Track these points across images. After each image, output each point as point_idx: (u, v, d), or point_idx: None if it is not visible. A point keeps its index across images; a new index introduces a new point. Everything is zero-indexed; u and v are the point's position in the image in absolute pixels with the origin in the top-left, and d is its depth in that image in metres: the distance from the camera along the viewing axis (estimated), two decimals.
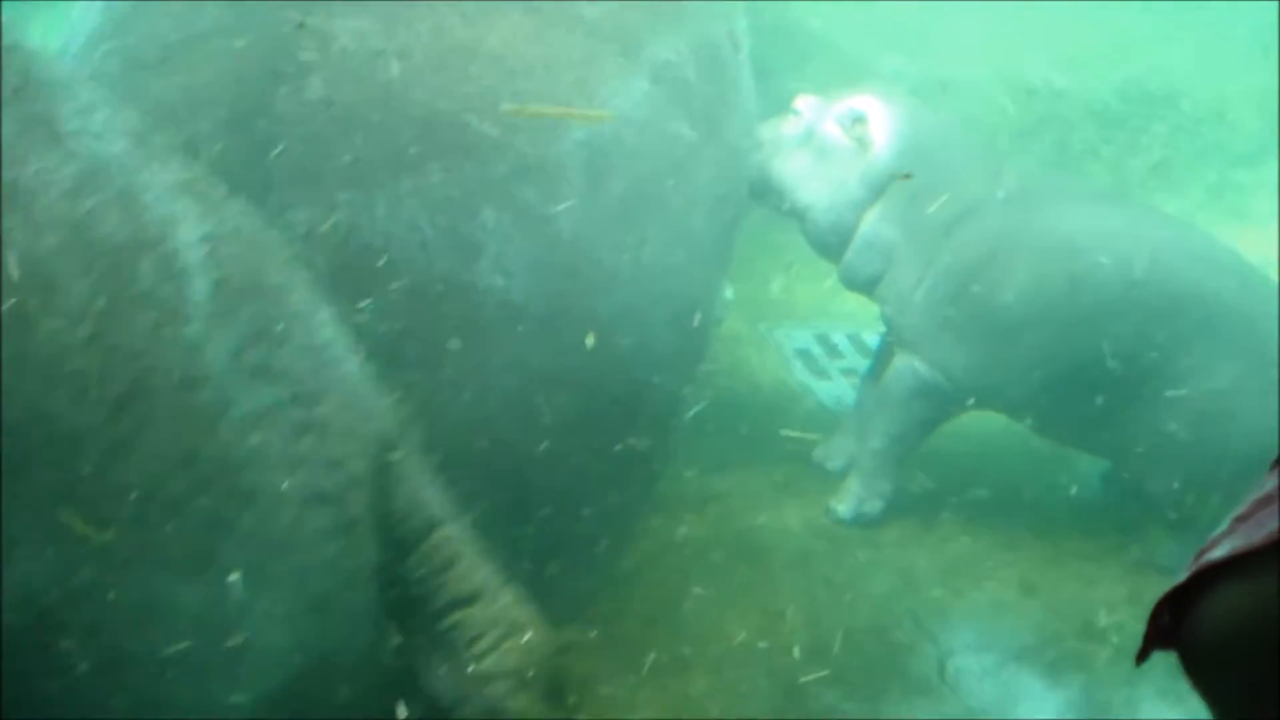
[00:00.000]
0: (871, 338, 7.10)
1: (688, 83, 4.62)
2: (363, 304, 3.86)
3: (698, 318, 4.53)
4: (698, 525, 5.78)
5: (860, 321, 7.33)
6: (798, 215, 5.96)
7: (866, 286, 5.92)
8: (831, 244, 5.91)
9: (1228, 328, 5.55)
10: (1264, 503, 1.42)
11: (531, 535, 4.14)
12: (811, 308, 7.37)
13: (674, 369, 4.39)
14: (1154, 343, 5.52)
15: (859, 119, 5.78)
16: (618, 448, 4.22)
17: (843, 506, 5.93)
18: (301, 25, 4.10)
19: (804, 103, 5.92)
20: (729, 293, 7.05)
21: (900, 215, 5.76)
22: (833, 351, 7.07)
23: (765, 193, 5.93)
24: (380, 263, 3.90)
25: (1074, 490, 6.04)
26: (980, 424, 6.63)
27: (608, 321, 4.14)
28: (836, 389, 6.79)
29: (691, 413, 5.51)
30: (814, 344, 7.12)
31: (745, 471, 6.12)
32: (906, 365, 5.83)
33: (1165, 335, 5.52)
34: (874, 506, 5.94)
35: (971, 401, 5.84)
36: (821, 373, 6.93)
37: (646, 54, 4.52)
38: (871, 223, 5.79)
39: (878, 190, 5.78)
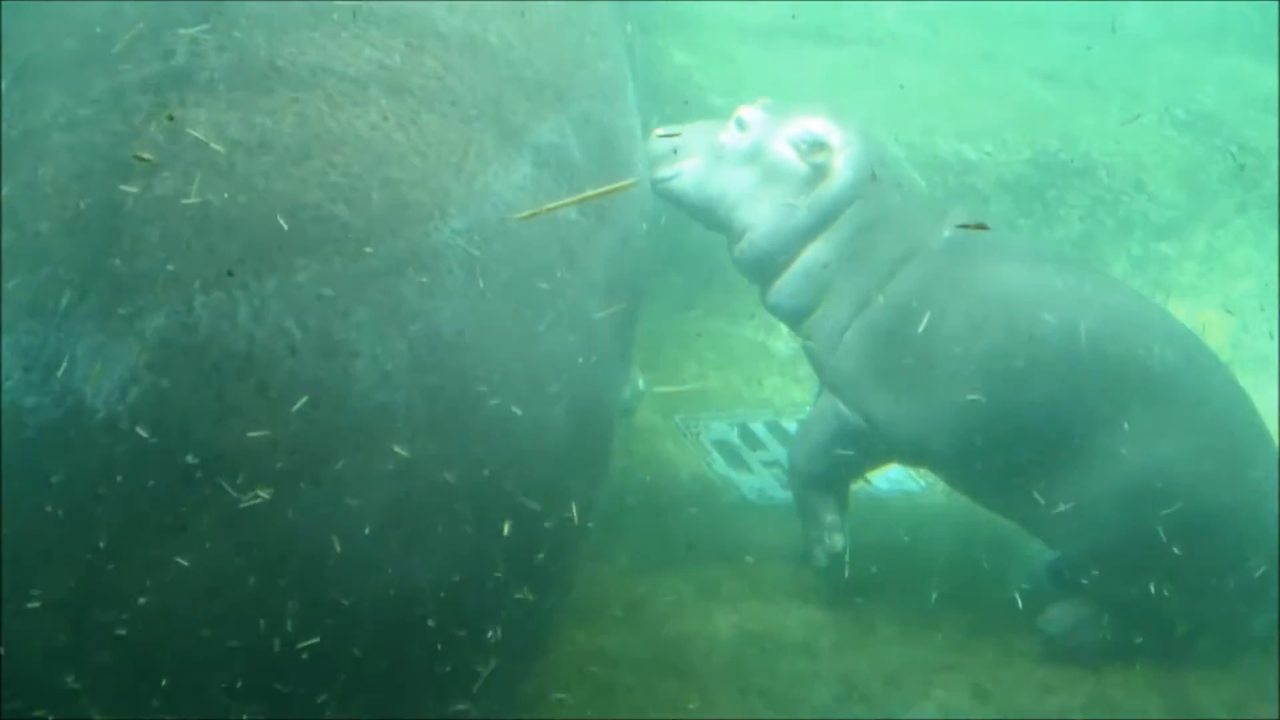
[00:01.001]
0: (790, 424, 6.89)
1: (574, 165, 4.35)
2: (228, 415, 3.53)
3: (599, 411, 4.22)
4: (621, 635, 5.45)
5: (778, 409, 7.12)
6: (732, 233, 5.68)
7: (792, 316, 5.68)
8: (764, 268, 5.65)
9: (1168, 401, 5.30)
10: None
11: (426, 658, 3.78)
12: (728, 397, 7.11)
13: (576, 468, 4.06)
14: (1089, 408, 5.27)
15: (820, 145, 5.53)
16: (519, 557, 3.88)
17: (812, 556, 5.73)
18: (170, 118, 3.80)
19: (751, 116, 5.63)
20: (641, 383, 6.79)
21: (843, 249, 5.51)
22: (753, 442, 6.80)
23: (697, 205, 5.67)
24: (244, 370, 3.56)
25: (1023, 585, 5.77)
26: (916, 514, 6.41)
27: (499, 423, 3.81)
28: (759, 481, 6.52)
29: (608, 510, 5.25)
30: (733, 434, 6.85)
31: (669, 572, 5.82)
32: (830, 406, 5.60)
33: (1102, 402, 5.27)
34: (836, 542, 5.69)
35: (896, 452, 5.62)
36: (742, 465, 6.66)
37: (528, 136, 4.24)
38: (813, 253, 5.53)
39: (826, 220, 5.53)
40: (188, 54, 3.92)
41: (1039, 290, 5.42)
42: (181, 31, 3.94)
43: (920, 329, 5.36)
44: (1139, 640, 5.47)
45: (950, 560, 5.94)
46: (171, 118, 3.74)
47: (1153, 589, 5.30)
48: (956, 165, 8.18)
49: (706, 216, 5.73)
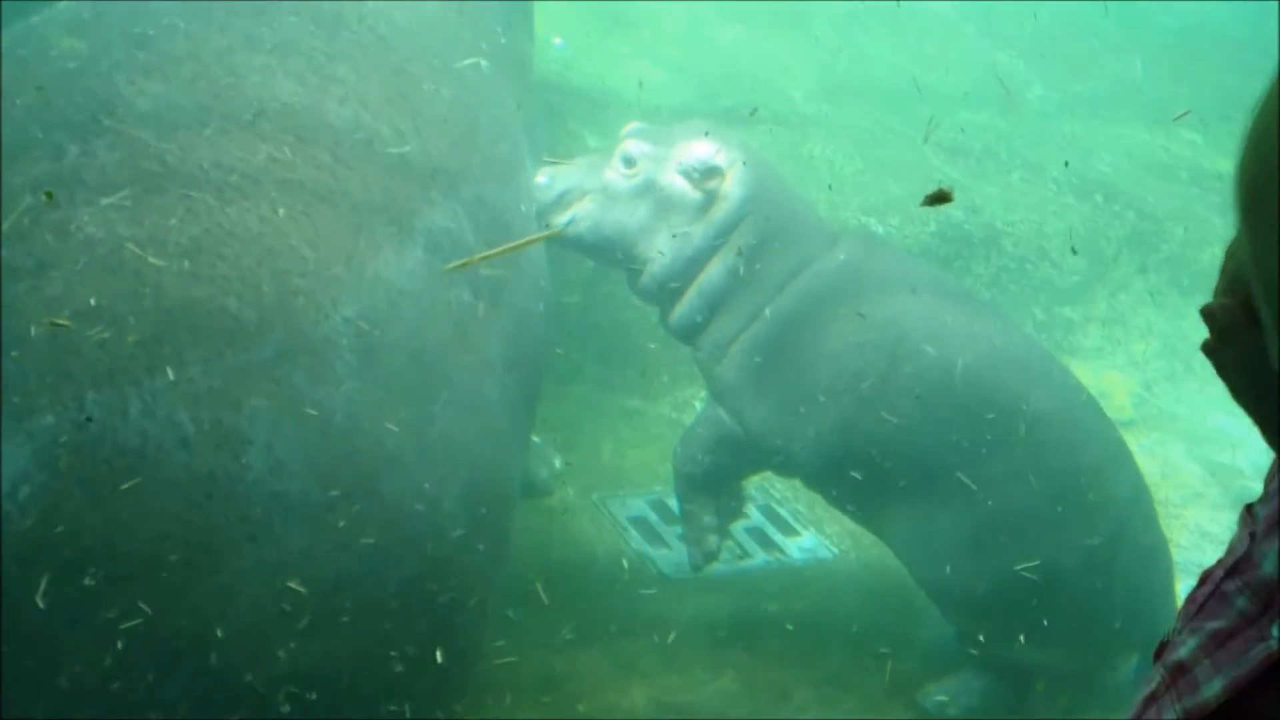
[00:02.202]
0: None
1: (468, 247, 4.43)
2: (121, 511, 3.55)
3: (498, 492, 4.27)
4: (539, 711, 5.46)
5: None
6: (636, 268, 5.74)
7: (688, 334, 5.78)
8: (668, 295, 5.74)
9: (1034, 447, 5.40)
10: (1147, 704, 1.48)
11: None
12: (644, 473, 7.17)
13: (474, 547, 4.10)
14: (952, 443, 5.37)
15: (712, 171, 5.62)
16: (419, 640, 3.91)
17: (689, 557, 5.97)
18: (48, 195, 3.85)
19: (637, 150, 5.69)
20: (557, 462, 6.86)
21: (735, 267, 5.60)
22: (669, 517, 6.84)
23: (597, 246, 5.73)
24: (136, 466, 3.59)
25: (929, 647, 5.87)
26: (830, 580, 6.48)
27: (394, 506, 3.86)
28: (676, 555, 6.55)
29: (525, 590, 5.27)
30: (649, 511, 6.89)
31: (587, 649, 5.84)
32: (713, 413, 5.77)
33: (966, 439, 5.36)
34: (711, 544, 5.89)
35: (768, 460, 5.76)
36: (659, 540, 6.70)
37: (420, 221, 4.32)
38: (708, 274, 5.64)
39: (720, 241, 5.62)
40: (78, 153, 3.98)
41: (925, 321, 5.54)
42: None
43: (796, 343, 5.53)
44: (1010, 703, 5.56)
45: (864, 626, 6.00)
46: (50, 194, 3.79)
47: (1008, 641, 5.39)
48: None
49: (606, 256, 5.82)
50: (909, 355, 5.41)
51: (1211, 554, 6.86)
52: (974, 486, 5.32)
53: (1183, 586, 6.40)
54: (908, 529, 5.51)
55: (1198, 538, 7.10)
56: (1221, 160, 9.96)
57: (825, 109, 9.49)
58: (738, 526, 6.83)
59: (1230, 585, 1.59)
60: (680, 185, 5.64)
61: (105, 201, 3.86)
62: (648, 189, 5.67)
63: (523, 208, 5.00)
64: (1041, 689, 5.56)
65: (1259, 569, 1.57)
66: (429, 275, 4.23)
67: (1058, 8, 11.19)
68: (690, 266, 5.65)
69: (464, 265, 4.12)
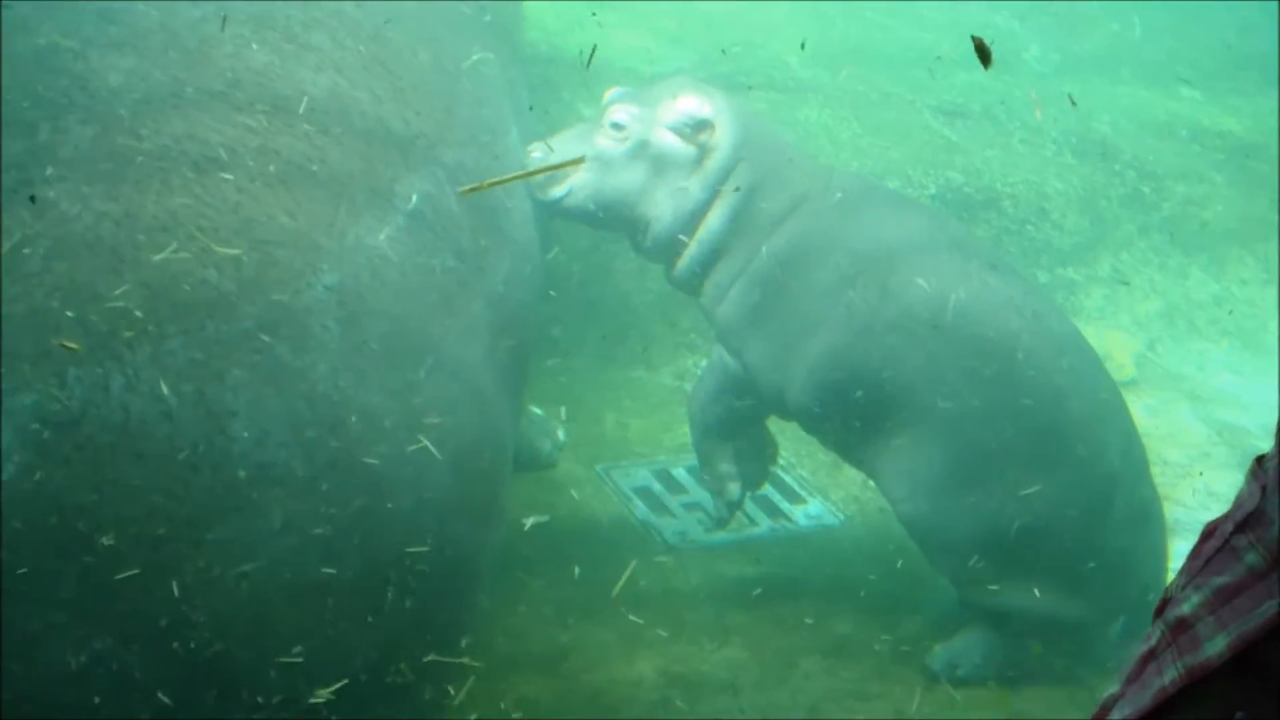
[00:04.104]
0: None
1: (450, 212, 4.38)
2: (105, 487, 3.52)
3: (487, 458, 4.22)
4: (546, 684, 5.43)
5: None
6: (637, 230, 5.78)
7: (692, 285, 5.81)
8: (673, 251, 5.77)
9: (1023, 389, 5.33)
10: (1146, 660, 1.46)
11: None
12: (648, 443, 7.12)
13: (464, 514, 4.05)
14: (941, 380, 5.31)
15: (702, 124, 5.64)
16: (410, 608, 3.87)
17: (711, 510, 6.05)
18: (32, 199, 3.81)
19: (624, 114, 5.69)
20: (560, 434, 6.82)
21: (733, 213, 5.63)
22: (674, 486, 6.80)
23: (598, 215, 5.75)
24: (120, 441, 3.55)
25: (935, 613, 5.81)
26: (836, 548, 6.43)
27: (381, 474, 3.81)
28: (681, 524, 6.52)
29: (532, 562, 5.22)
30: (654, 480, 6.84)
31: (593, 621, 5.79)
32: (718, 356, 5.79)
33: (955, 377, 5.31)
34: (733, 491, 5.91)
35: (765, 399, 5.73)
36: (664, 509, 6.66)
37: (401, 187, 4.27)
38: (708, 224, 5.66)
39: (717, 190, 5.65)
40: (51, 130, 3.94)
41: (919, 256, 5.50)
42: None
43: (790, 277, 5.53)
44: (1011, 664, 5.52)
45: (870, 592, 5.95)
46: (33, 199, 3.75)
47: (995, 587, 5.36)
48: None
49: (608, 223, 5.84)
50: (900, 288, 5.37)
51: (1218, 513, 6.85)
52: (956, 422, 5.27)
53: (1185, 545, 6.35)
54: (895, 465, 5.44)
55: (1204, 497, 7.02)
56: (1222, 117, 9.87)
57: (822, 74, 9.41)
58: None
59: (1240, 540, 1.53)
60: (672, 142, 5.66)
61: (79, 177, 3.82)
62: (641, 150, 5.68)
63: (506, 170, 4.94)
64: (1039, 651, 5.51)
65: (1273, 524, 1.51)
66: (411, 242, 4.18)
67: None
68: (691, 219, 5.67)
69: (477, 189, 4.06)
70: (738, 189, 5.60)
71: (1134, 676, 1.43)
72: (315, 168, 4.11)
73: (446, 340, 4.15)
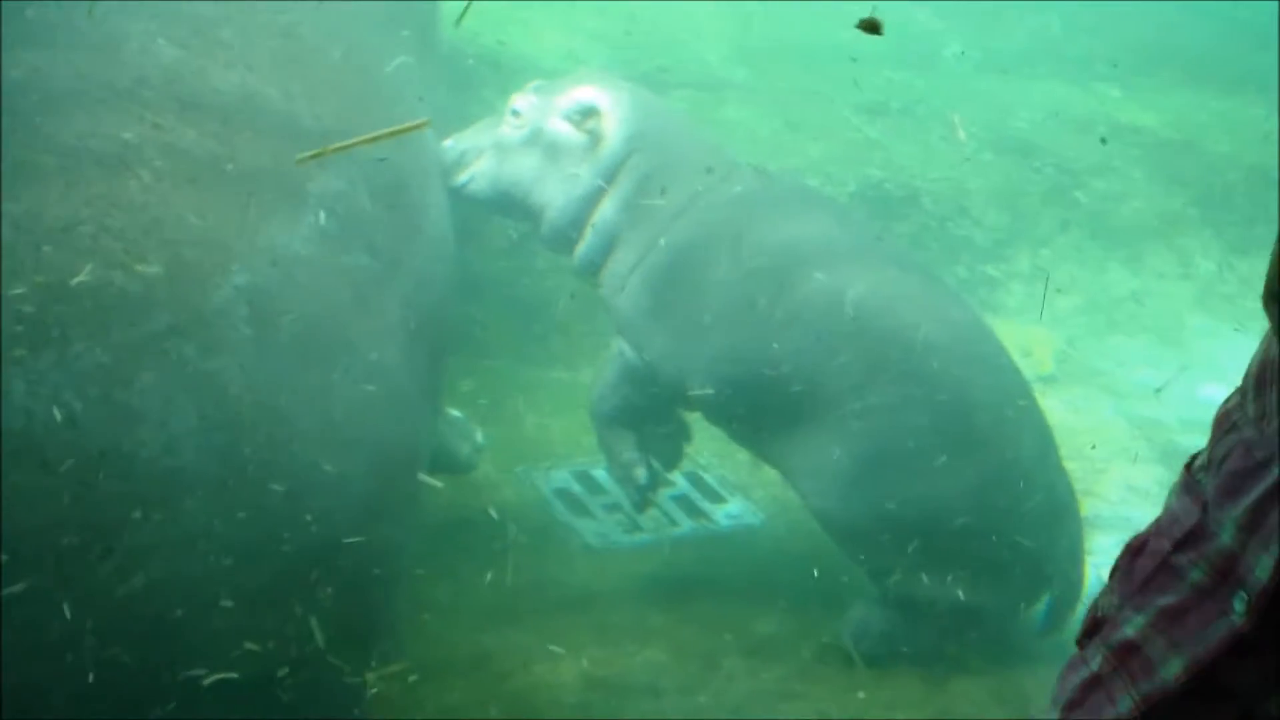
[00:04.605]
0: None
1: (363, 210, 4.31)
2: (8, 496, 3.41)
3: (403, 460, 4.15)
4: (467, 690, 5.35)
5: None
6: (533, 217, 5.83)
7: (590, 271, 5.83)
8: (569, 239, 5.79)
9: (921, 380, 5.32)
10: (1090, 687, 1.41)
11: None
12: (568, 444, 7.06)
13: (380, 515, 3.98)
14: (839, 371, 5.31)
15: (590, 111, 5.68)
16: (324, 615, 3.79)
17: (625, 496, 6.05)
18: None
19: (523, 102, 5.76)
20: (479, 436, 6.72)
21: (627, 201, 5.65)
22: (594, 488, 6.74)
23: (496, 201, 5.82)
24: (22, 448, 3.44)
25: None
26: (756, 548, 6.41)
27: (295, 477, 3.73)
28: (600, 526, 6.46)
29: (451, 567, 5.13)
30: (573, 482, 6.79)
31: (515, 625, 5.72)
32: (616, 347, 5.79)
33: (853, 368, 5.31)
34: (639, 476, 5.89)
35: (668, 391, 5.72)
36: (584, 511, 6.60)
37: (314, 185, 4.19)
38: (602, 211, 5.68)
39: (609, 178, 5.67)
40: None
41: (817, 248, 5.50)
42: None
43: (689, 269, 5.53)
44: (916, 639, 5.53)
45: (792, 592, 5.92)
46: None
47: (902, 577, 5.37)
48: None
49: (506, 209, 5.91)
50: (798, 281, 5.37)
51: (1139, 508, 6.87)
52: (859, 414, 5.27)
53: (1106, 540, 6.39)
54: (800, 459, 5.46)
55: (1124, 491, 7.07)
56: (1141, 114, 9.96)
57: (742, 72, 9.41)
58: (664, 495, 6.75)
59: (1182, 559, 1.49)
60: (564, 129, 5.71)
61: None
62: (536, 138, 5.75)
63: (422, 167, 4.87)
64: (951, 629, 5.52)
65: (1216, 539, 1.47)
66: (324, 241, 4.10)
67: None
68: (584, 206, 5.70)
69: (317, 155, 3.94)
70: (631, 184, 5.65)
71: (1077, 703, 1.39)
72: (225, 166, 4.02)
73: (362, 340, 4.08)
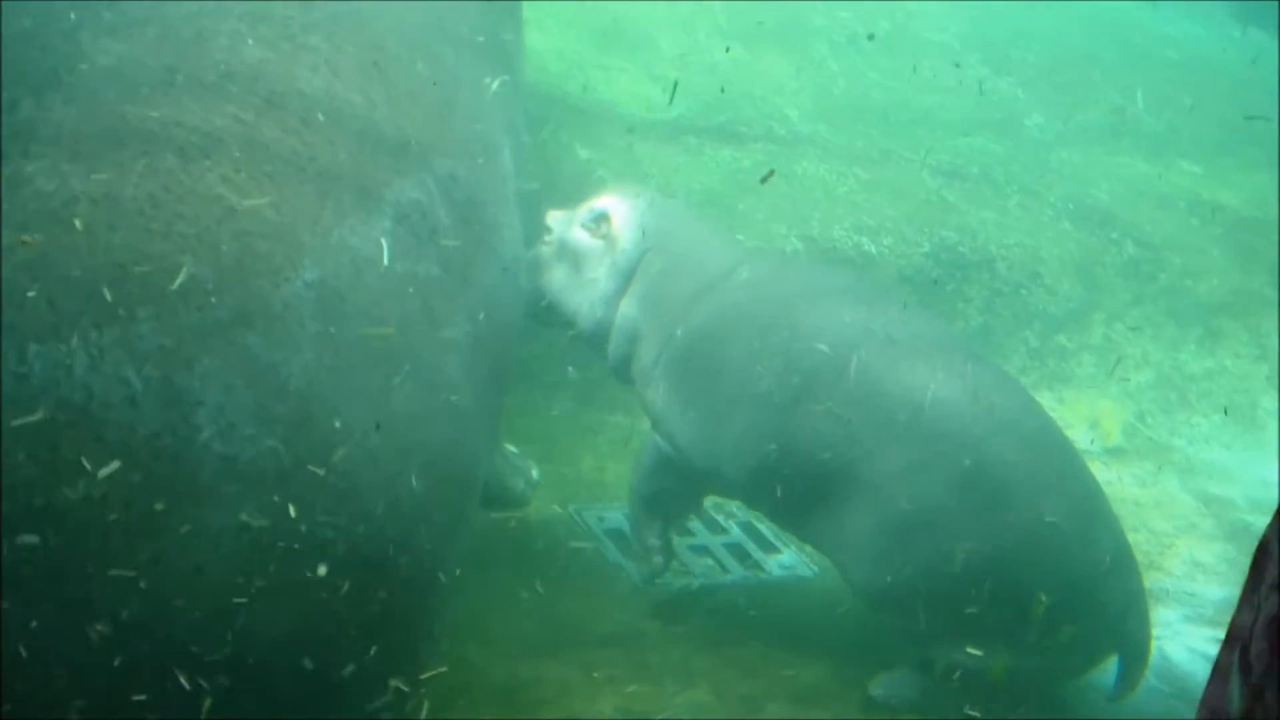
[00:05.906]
0: None
1: (438, 221, 4.30)
2: (61, 469, 3.41)
3: (456, 472, 4.12)
4: (500, 714, 5.30)
5: None
6: (569, 325, 6.07)
7: (622, 370, 6.04)
8: (599, 342, 6.04)
9: (941, 440, 5.22)
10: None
11: None
12: (622, 488, 7.01)
13: (430, 525, 3.94)
14: (855, 441, 5.27)
15: (601, 217, 5.93)
16: (369, 616, 3.74)
17: (635, 571, 6.18)
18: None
19: (552, 219, 6.04)
20: (535, 473, 6.74)
21: (644, 297, 5.85)
22: None
23: (540, 314, 6.04)
24: (79, 422, 3.44)
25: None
26: (808, 598, 6.33)
27: (347, 477, 3.70)
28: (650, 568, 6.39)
29: (499, 597, 5.08)
30: (626, 524, 6.73)
31: (556, 657, 5.69)
32: (651, 437, 5.93)
33: (867, 435, 5.26)
34: (656, 564, 6.08)
35: (702, 479, 5.87)
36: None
37: (390, 192, 4.19)
38: (623, 309, 5.91)
39: (626, 278, 5.90)
40: (33, 106, 3.86)
41: (818, 320, 5.49)
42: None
43: (706, 357, 5.66)
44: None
45: (842, 644, 5.83)
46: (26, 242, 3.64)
47: (939, 640, 5.30)
48: (857, 259, 8.21)
49: (548, 321, 6.15)
50: (802, 355, 5.39)
51: (1203, 584, 6.72)
52: (881, 484, 5.23)
53: (1170, 614, 6.25)
54: (829, 533, 5.44)
55: (1190, 567, 6.93)
56: (1221, 191, 9.86)
57: (821, 129, 9.40)
58: (717, 542, 6.70)
59: None
60: (583, 238, 6.00)
61: (59, 155, 3.74)
62: (563, 251, 6.06)
63: (498, 188, 4.87)
64: (996, 678, 5.37)
65: None
66: (397, 246, 4.10)
67: (1059, 38, 11.15)
68: (607, 308, 5.96)
69: None
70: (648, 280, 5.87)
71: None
72: (303, 164, 4.03)
73: (425, 349, 4.05)
